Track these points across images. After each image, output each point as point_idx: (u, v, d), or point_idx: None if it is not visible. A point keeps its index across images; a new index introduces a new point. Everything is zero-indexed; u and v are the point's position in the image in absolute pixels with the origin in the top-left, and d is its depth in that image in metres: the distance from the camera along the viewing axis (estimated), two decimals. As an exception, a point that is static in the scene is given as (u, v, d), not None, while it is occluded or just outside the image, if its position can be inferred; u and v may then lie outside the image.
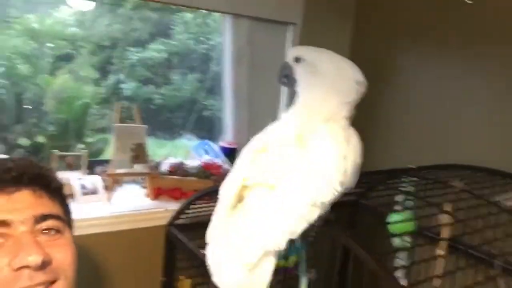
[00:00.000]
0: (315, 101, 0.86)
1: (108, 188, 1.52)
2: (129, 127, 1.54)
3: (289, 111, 0.90)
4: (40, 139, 1.79)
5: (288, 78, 0.91)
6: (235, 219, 0.79)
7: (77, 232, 1.38)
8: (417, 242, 1.40)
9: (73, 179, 1.51)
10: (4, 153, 1.66)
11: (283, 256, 1.24)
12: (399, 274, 1.46)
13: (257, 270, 0.74)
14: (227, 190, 0.83)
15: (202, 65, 2.19)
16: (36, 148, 1.78)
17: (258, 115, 1.80)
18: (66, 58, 2.12)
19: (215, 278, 0.76)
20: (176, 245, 1.40)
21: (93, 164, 1.63)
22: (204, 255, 1.20)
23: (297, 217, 0.76)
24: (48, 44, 2.04)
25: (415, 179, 1.41)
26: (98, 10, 2.29)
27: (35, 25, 1.98)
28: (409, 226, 1.34)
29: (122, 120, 1.56)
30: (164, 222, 1.44)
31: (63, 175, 1.54)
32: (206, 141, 1.83)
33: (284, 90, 1.87)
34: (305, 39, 1.86)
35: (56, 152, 1.53)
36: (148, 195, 1.58)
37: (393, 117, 1.84)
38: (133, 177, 1.65)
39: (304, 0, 1.81)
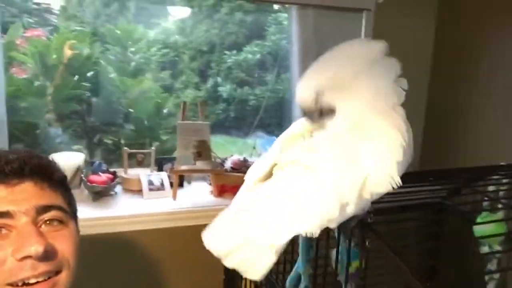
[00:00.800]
0: (366, 105, 0.73)
1: (174, 184, 1.54)
2: (193, 124, 1.55)
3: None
4: (119, 137, 1.90)
5: (321, 114, 0.76)
6: (260, 193, 0.70)
7: (142, 226, 1.45)
8: (507, 247, 1.21)
9: (142, 175, 1.56)
10: (87, 152, 1.80)
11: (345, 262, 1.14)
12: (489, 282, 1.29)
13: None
14: (255, 167, 0.75)
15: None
16: (116, 146, 1.90)
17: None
18: (169, 65, 2.26)
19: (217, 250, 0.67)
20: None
21: (162, 161, 1.67)
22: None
23: (339, 199, 0.64)
24: (131, 49, 2.16)
25: (505, 178, 1.21)
26: (197, 17, 2.40)
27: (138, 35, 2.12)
28: (498, 230, 1.15)
29: (187, 119, 1.58)
30: (226, 219, 1.42)
31: (133, 172, 1.61)
32: (274, 138, 1.78)
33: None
34: (380, 26, 1.71)
35: (127, 149, 1.59)
36: (212, 192, 1.58)
37: (484, 108, 1.61)
38: (200, 174, 1.66)
39: (377, -18, 1.67)
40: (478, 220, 1.17)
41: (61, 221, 0.71)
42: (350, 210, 0.65)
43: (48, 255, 0.66)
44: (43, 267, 0.66)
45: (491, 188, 1.25)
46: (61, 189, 0.75)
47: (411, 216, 1.48)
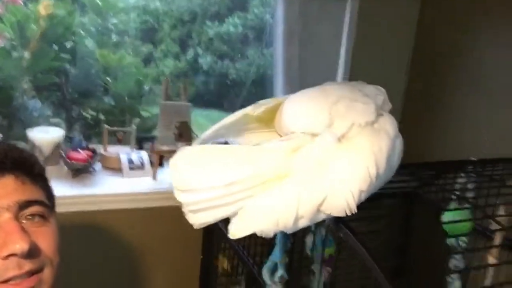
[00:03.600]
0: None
1: (154, 164, 1.55)
2: (175, 105, 1.55)
3: None
4: (98, 113, 1.88)
5: None
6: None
7: (122, 206, 1.46)
8: (473, 241, 1.27)
9: (121, 154, 1.57)
10: (66, 125, 1.77)
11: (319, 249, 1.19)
12: (453, 276, 1.36)
13: None
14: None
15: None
16: (95, 121, 1.88)
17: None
18: (149, 33, 2.20)
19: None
20: (213, 224, 1.40)
21: (143, 140, 1.67)
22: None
23: (296, 211, 0.66)
24: (113, 21, 2.11)
25: (472, 174, 1.27)
26: (180, -16, 2.33)
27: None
28: (463, 226, 1.21)
29: (169, 98, 1.57)
30: (205, 200, 1.45)
31: (113, 149, 1.61)
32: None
33: (340, 67, 1.77)
34: (366, 12, 1.73)
35: (107, 127, 1.59)
36: (192, 173, 1.59)
37: (461, 102, 1.66)
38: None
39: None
40: (444, 217, 1.22)
41: (42, 216, 0.70)
42: (303, 223, 0.68)
43: (33, 253, 0.66)
44: (29, 265, 0.65)
45: (460, 180, 1.31)
46: (41, 182, 0.74)
47: (382, 204, 1.55)
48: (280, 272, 0.93)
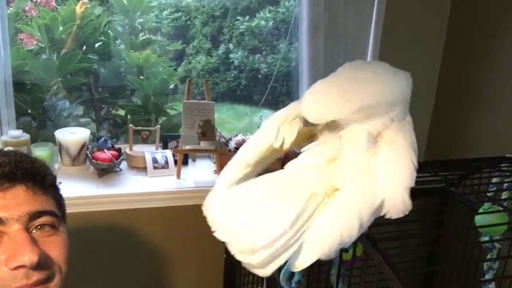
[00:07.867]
0: None
1: (178, 163, 1.55)
2: (198, 103, 1.54)
3: None
4: (126, 113, 1.90)
5: None
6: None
7: (146, 205, 1.48)
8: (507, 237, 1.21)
9: (146, 153, 1.58)
10: (95, 124, 1.81)
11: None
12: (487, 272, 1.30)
13: None
14: (247, 149, 0.77)
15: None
16: (122, 120, 1.91)
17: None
18: (181, 30, 2.22)
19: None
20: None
21: (167, 138, 1.68)
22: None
23: (359, 220, 0.62)
24: (141, 20, 2.12)
25: (507, 173, 1.20)
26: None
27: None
28: (500, 221, 1.15)
29: (193, 97, 1.57)
30: (228, 199, 1.44)
31: (138, 148, 1.63)
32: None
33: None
34: (394, 4, 1.65)
35: (132, 126, 1.60)
36: (216, 172, 1.59)
37: (499, 93, 1.56)
38: (203, 153, 1.67)
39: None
40: (481, 211, 1.17)
41: (52, 226, 0.70)
42: (363, 230, 0.64)
43: (42, 264, 0.65)
44: (37, 275, 0.65)
45: (494, 180, 1.24)
46: (52, 192, 0.74)
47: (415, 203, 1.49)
48: (297, 277, 0.91)
